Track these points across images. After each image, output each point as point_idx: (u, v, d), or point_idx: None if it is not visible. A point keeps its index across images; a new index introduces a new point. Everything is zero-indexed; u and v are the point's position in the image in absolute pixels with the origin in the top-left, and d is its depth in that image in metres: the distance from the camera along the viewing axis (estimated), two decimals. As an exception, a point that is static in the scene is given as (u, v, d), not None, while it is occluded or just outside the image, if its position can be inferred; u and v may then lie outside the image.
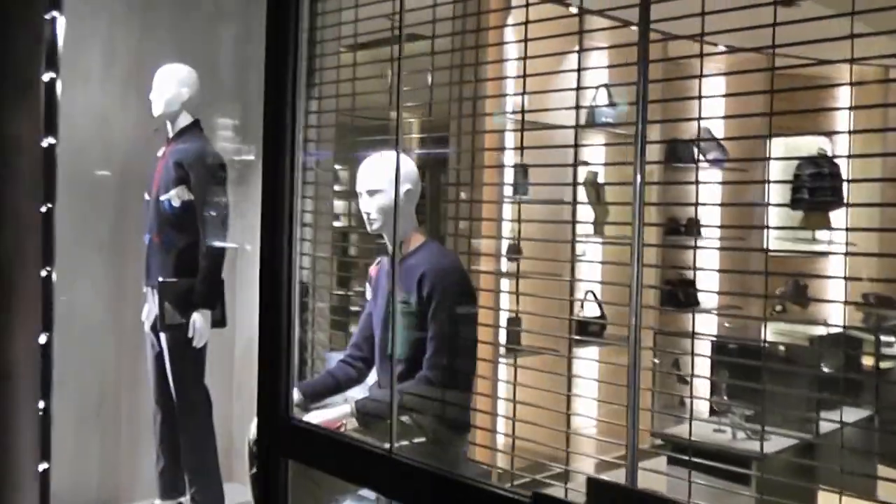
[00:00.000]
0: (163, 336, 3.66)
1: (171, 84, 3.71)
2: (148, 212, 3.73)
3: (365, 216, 2.80)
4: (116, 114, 4.00)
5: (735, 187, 5.78)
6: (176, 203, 3.64)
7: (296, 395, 2.88)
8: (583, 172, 5.06)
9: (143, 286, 3.76)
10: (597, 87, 5.52)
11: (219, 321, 3.73)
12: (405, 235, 2.81)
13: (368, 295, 3.41)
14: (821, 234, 6.48)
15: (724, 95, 5.52)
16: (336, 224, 4.19)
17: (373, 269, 3.39)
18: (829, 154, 6.49)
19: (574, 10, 4.97)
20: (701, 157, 6.25)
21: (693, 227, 6.28)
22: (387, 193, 2.77)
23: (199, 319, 3.62)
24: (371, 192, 2.78)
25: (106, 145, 3.98)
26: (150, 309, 3.75)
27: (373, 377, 2.97)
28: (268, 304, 1.98)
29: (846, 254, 5.66)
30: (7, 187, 2.74)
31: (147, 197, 3.76)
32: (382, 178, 2.78)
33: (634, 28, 1.95)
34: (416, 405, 2.62)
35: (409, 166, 2.81)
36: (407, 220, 2.80)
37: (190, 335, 3.62)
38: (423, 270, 2.70)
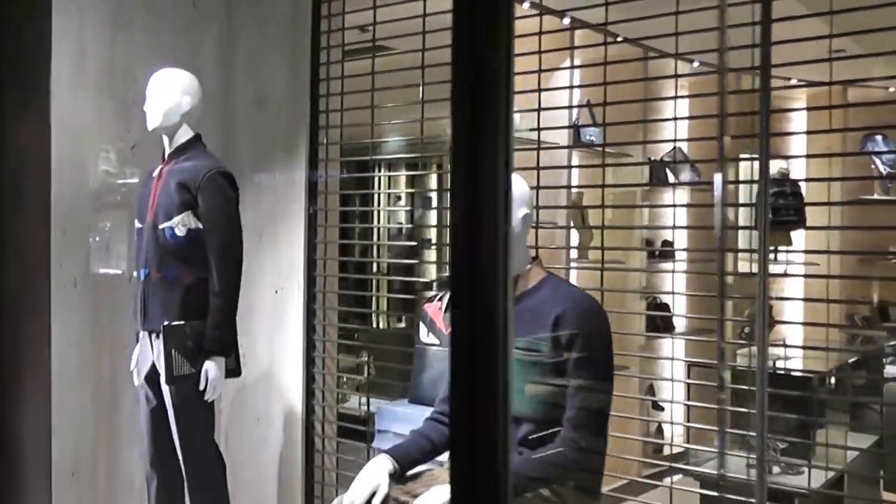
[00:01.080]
0: (166, 389, 3.10)
1: (171, 93, 3.17)
2: (141, 242, 3.17)
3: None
4: (88, 126, 3.40)
5: (706, 209, 5.64)
6: (180, 232, 3.10)
7: (388, 462, 2.43)
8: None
9: (138, 330, 3.18)
10: (580, 106, 5.27)
11: (233, 370, 3.20)
12: (521, 269, 2.40)
13: (424, 337, 2.99)
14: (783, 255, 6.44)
15: (685, 118, 5.35)
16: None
17: (433, 307, 2.97)
18: (790, 175, 6.47)
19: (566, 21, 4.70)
20: (673, 179, 6.11)
21: (668, 251, 6.11)
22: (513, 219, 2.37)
23: (212, 369, 3.09)
24: None
25: (77, 163, 3.37)
26: (142, 357, 3.18)
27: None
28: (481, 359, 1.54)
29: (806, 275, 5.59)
30: (16, 211, 2.18)
31: (139, 224, 3.19)
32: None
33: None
34: (555, 475, 2.22)
35: (523, 187, 2.41)
36: (522, 252, 2.39)
37: (202, 387, 3.08)
38: (560, 311, 2.29)
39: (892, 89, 6.17)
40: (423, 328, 3.05)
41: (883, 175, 6.32)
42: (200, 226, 3.10)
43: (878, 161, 6.40)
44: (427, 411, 2.88)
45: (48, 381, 2.42)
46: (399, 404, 3.09)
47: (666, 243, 6.18)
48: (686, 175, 6.14)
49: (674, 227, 5.11)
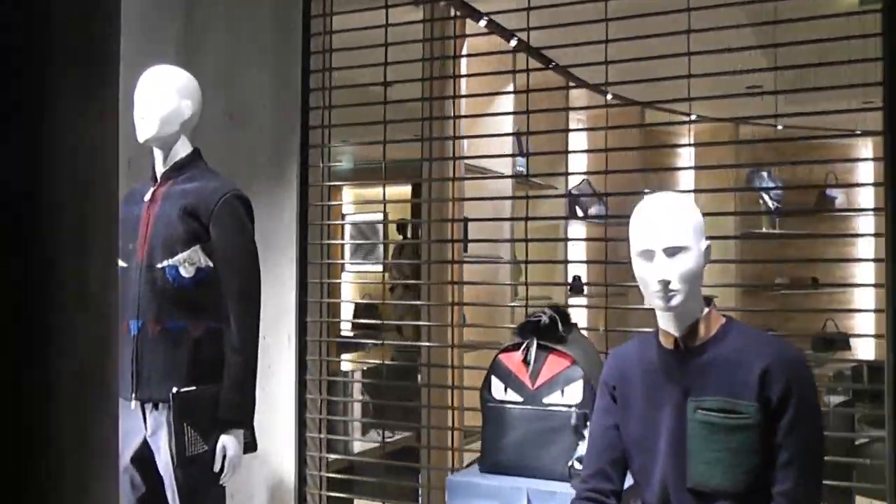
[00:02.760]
0: (167, 473, 2.41)
1: (169, 96, 2.52)
2: (128, 287, 2.46)
3: (656, 286, 1.94)
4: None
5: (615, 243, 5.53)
6: (187, 272, 2.44)
7: None
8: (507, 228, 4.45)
9: (129, 400, 2.46)
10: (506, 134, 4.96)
11: (249, 443, 2.55)
12: (700, 314, 2.00)
13: (501, 394, 2.53)
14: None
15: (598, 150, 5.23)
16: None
17: (512, 359, 2.51)
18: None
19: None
20: (581, 213, 5.94)
21: (579, 285, 5.90)
22: (692, 254, 1.95)
23: (231, 444, 2.44)
24: (671, 252, 1.94)
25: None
26: (128, 432, 2.46)
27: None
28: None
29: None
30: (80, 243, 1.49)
31: (123, 264, 2.48)
32: (688, 229, 1.96)
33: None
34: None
35: (697, 210, 2.02)
36: (698, 292, 2.00)
37: (217, 468, 2.42)
38: (766, 364, 1.90)
39: (780, 127, 6.38)
40: (496, 383, 2.57)
41: (771, 210, 6.52)
42: (212, 264, 2.46)
43: (765, 196, 6.60)
44: (511, 482, 2.42)
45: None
46: (470, 474, 2.58)
47: (576, 278, 5.97)
48: (594, 209, 6.01)
49: (587, 261, 4.89)
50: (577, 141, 5.81)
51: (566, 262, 4.39)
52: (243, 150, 3.15)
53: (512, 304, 4.42)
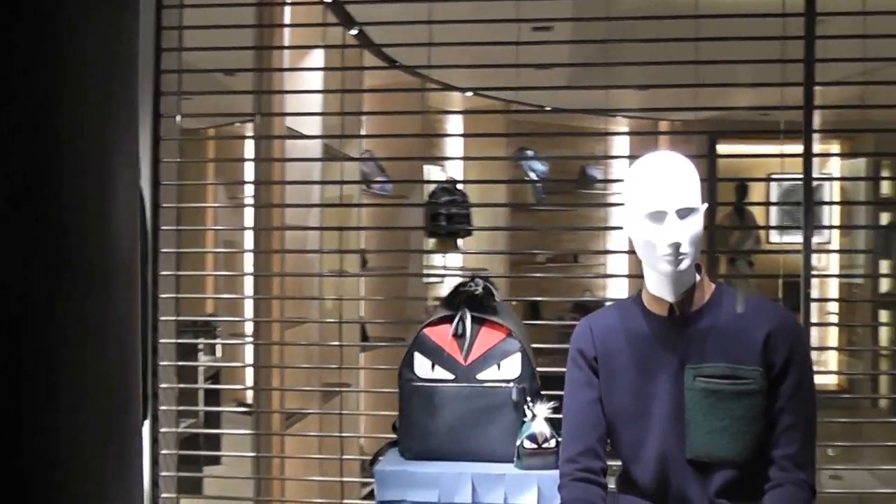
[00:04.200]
0: None
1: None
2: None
3: (667, 250, 1.81)
4: None
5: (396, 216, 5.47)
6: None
7: None
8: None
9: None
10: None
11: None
12: (695, 279, 1.91)
13: (428, 372, 2.31)
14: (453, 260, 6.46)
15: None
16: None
17: (438, 332, 2.30)
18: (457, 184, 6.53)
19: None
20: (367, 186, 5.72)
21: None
22: (700, 216, 1.85)
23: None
24: (684, 213, 1.82)
25: None
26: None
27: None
28: None
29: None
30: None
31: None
32: (696, 190, 1.85)
33: None
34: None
35: (695, 172, 1.92)
36: (698, 256, 1.90)
37: None
38: (770, 329, 1.84)
39: (548, 109, 6.58)
40: (421, 360, 2.31)
41: (538, 185, 6.74)
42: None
43: (532, 174, 6.78)
44: (451, 468, 2.21)
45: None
46: (399, 463, 2.29)
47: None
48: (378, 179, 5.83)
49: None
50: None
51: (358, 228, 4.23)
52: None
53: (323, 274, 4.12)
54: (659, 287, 1.89)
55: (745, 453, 1.83)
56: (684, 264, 1.82)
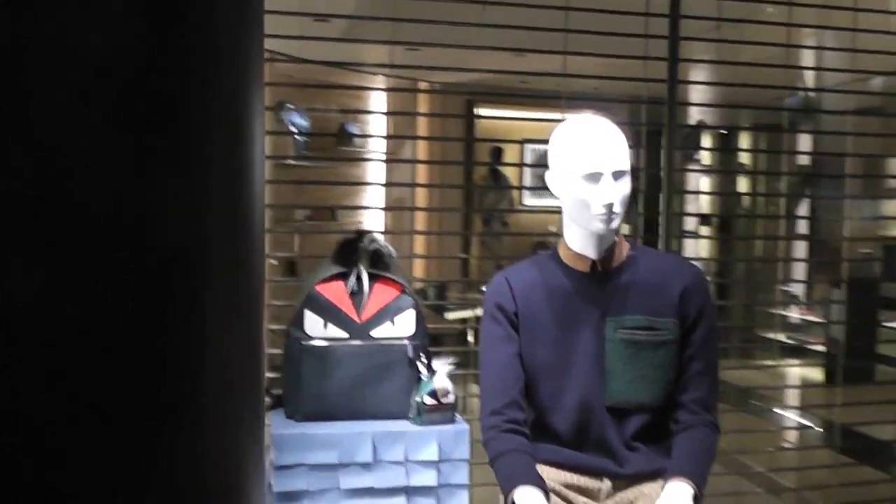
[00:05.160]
0: None
1: None
2: None
3: (601, 210, 1.87)
4: None
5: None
6: None
7: (538, 497, 1.79)
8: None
9: None
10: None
11: None
12: (616, 237, 1.99)
13: (320, 330, 2.23)
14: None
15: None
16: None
17: (331, 289, 2.23)
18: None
19: None
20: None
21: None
22: (629, 177, 1.93)
23: None
24: (618, 175, 1.89)
25: None
26: None
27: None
28: None
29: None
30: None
31: None
32: (627, 153, 1.92)
33: None
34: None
35: (624, 137, 1.99)
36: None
37: None
38: (685, 284, 1.96)
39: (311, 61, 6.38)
40: (312, 318, 2.19)
41: (299, 140, 6.57)
42: None
43: (293, 129, 6.59)
44: (351, 427, 2.18)
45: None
46: (295, 426, 2.16)
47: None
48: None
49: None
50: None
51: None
52: None
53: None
54: (583, 245, 1.97)
55: (660, 399, 1.97)
56: (615, 223, 1.91)
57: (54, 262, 0.80)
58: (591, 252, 1.96)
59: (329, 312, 2.21)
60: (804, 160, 7.01)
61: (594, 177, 1.87)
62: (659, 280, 1.98)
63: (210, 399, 0.90)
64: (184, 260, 0.88)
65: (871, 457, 3.80)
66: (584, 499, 1.96)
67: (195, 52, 0.88)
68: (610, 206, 1.87)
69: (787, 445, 4.10)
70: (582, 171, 1.88)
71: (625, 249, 2.02)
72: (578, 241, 1.97)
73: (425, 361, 2.23)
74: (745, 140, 8.80)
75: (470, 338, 6.06)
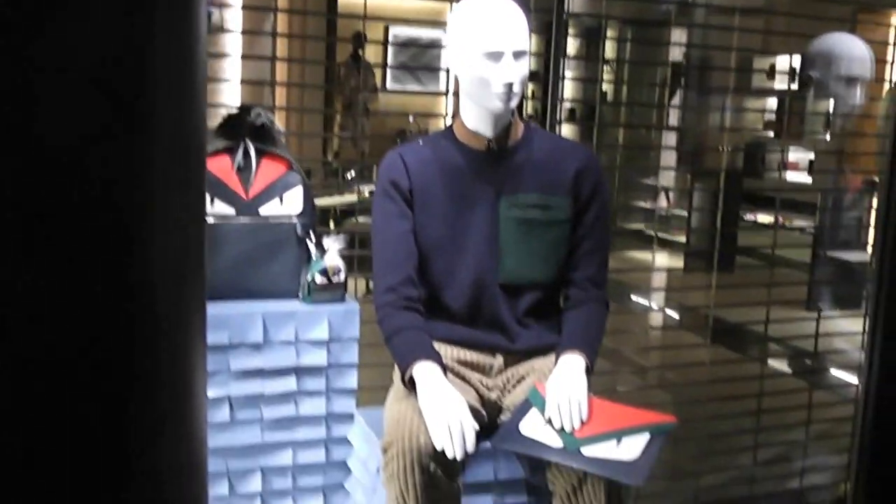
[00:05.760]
0: None
1: None
2: None
3: (501, 88, 1.84)
4: None
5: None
6: None
7: (436, 372, 1.80)
8: None
9: None
10: None
11: None
12: (511, 117, 1.97)
13: (207, 207, 2.13)
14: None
15: None
16: None
17: (218, 164, 2.14)
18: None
19: None
20: None
21: None
22: (528, 58, 1.89)
23: None
24: (518, 55, 1.85)
25: None
26: None
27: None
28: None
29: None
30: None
31: None
32: (528, 33, 1.88)
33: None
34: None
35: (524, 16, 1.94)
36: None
37: None
38: (579, 165, 1.97)
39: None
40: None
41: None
42: None
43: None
44: (239, 307, 2.13)
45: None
46: None
47: None
48: None
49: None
50: None
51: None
52: None
53: None
54: (479, 123, 1.94)
55: (552, 276, 1.99)
56: (513, 102, 1.88)
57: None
58: (487, 130, 1.94)
59: (215, 187, 2.12)
60: (677, 55, 7.14)
61: (495, 55, 1.84)
62: (553, 159, 1.99)
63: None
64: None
65: (726, 338, 4.01)
66: (478, 374, 1.99)
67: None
68: (510, 86, 1.85)
69: (650, 330, 4.29)
70: (483, 48, 1.84)
71: (520, 129, 2.00)
72: (474, 119, 1.94)
73: (314, 240, 2.18)
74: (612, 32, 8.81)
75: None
